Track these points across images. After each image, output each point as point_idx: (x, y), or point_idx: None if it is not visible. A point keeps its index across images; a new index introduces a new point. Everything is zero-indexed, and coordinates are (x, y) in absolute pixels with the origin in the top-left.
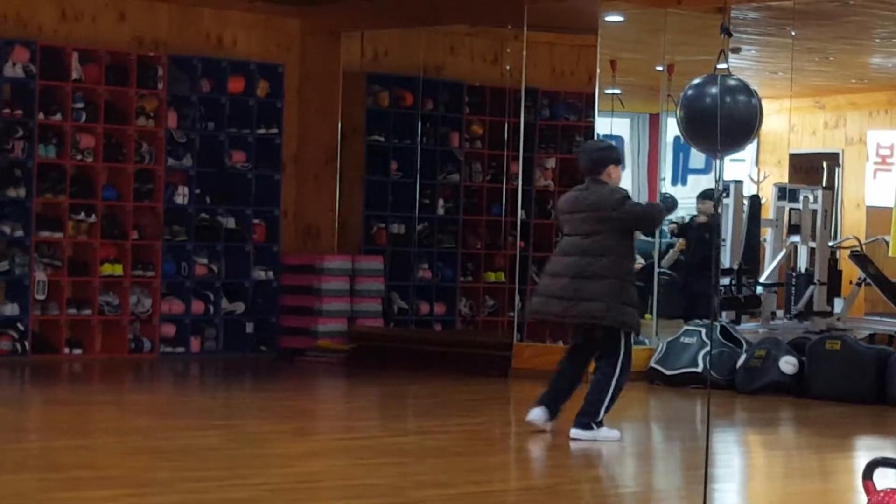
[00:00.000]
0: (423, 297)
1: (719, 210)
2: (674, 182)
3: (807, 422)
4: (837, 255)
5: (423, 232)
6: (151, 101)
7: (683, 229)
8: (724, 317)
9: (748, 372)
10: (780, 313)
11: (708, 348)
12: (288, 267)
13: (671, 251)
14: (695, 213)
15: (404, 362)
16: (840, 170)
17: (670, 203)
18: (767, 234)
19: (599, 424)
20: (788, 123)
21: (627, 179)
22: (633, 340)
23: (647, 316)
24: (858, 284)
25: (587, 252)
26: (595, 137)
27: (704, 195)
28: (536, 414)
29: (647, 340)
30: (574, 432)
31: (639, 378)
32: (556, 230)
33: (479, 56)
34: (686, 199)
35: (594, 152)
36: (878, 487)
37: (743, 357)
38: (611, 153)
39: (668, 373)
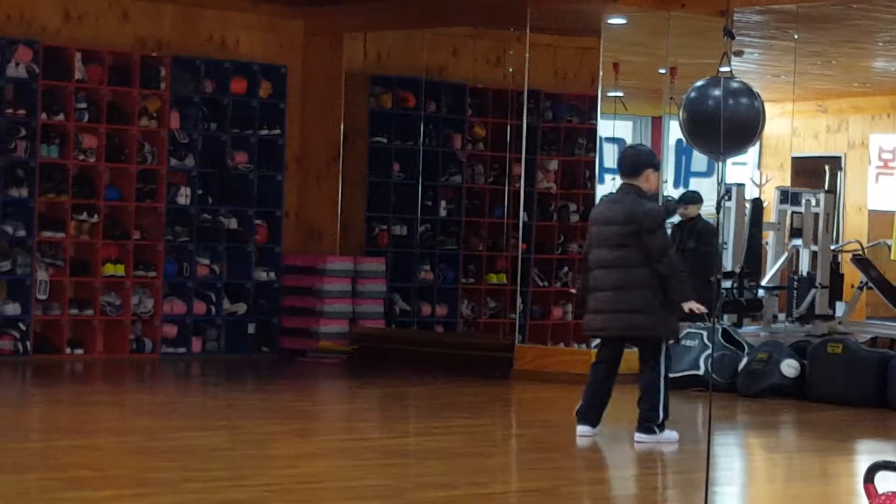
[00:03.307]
0: (425, 299)
1: (721, 213)
2: (676, 185)
3: (808, 425)
4: (839, 259)
5: (425, 233)
6: (154, 102)
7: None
8: (726, 320)
9: (750, 375)
10: (781, 316)
11: (710, 351)
12: (290, 268)
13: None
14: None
15: (406, 364)
16: (842, 173)
17: (672, 206)
18: (769, 237)
19: (661, 427)
20: (791, 127)
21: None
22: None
23: None
24: (860, 288)
25: (623, 263)
26: (598, 141)
27: (685, 199)
28: (585, 430)
29: None
30: (638, 436)
31: None
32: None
33: (481, 58)
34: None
35: (637, 157)
36: (880, 491)
37: (745, 360)
38: (652, 159)
39: (669, 375)
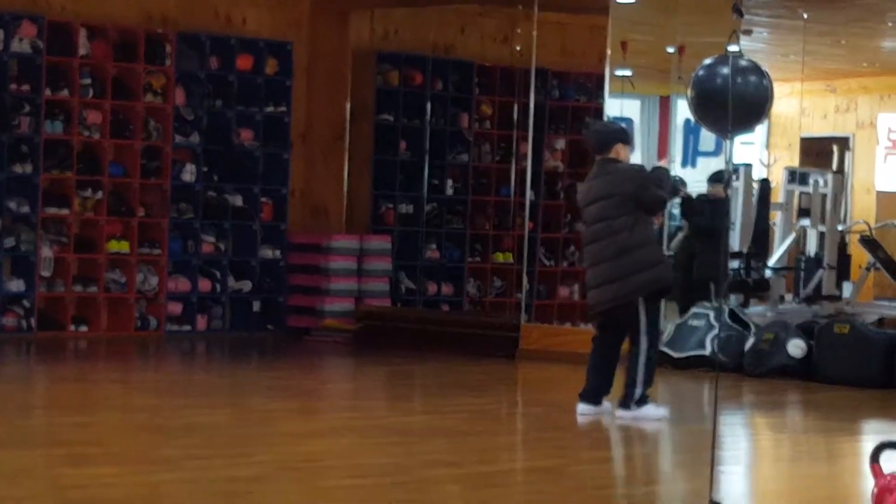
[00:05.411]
0: (431, 278)
1: (729, 192)
2: (683, 164)
3: (814, 405)
4: (847, 240)
5: (431, 212)
6: (159, 78)
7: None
8: (733, 300)
9: (756, 355)
10: (788, 297)
11: (716, 331)
12: (295, 246)
13: (679, 234)
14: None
15: (411, 342)
16: (851, 154)
17: (678, 186)
18: (777, 217)
19: (641, 402)
20: (800, 106)
21: (637, 162)
22: (654, 309)
23: None
24: (868, 269)
25: (613, 232)
26: (605, 119)
27: (715, 178)
28: (584, 409)
29: None
30: (617, 412)
31: None
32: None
33: (489, 36)
34: (696, 182)
35: (603, 133)
36: (885, 471)
37: (751, 340)
38: (620, 134)
39: (676, 356)
